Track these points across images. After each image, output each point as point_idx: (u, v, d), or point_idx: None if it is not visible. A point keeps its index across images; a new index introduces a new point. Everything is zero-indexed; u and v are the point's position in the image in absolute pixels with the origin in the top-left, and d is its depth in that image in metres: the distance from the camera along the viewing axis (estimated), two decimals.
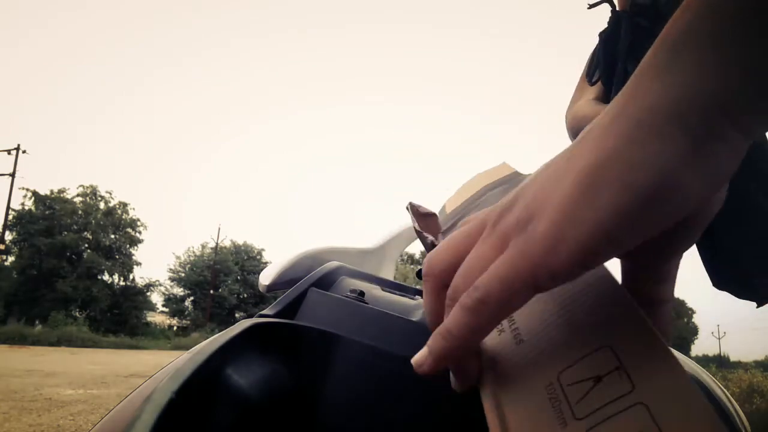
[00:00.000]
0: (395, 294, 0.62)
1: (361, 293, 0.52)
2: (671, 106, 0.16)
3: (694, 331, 36.96)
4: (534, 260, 0.17)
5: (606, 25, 0.42)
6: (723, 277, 0.43)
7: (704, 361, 29.53)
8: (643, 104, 0.16)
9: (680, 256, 0.21)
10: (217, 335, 0.31)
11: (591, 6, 0.40)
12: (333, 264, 0.66)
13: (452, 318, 0.20)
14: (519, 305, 0.19)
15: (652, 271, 0.21)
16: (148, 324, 24.68)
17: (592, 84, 0.44)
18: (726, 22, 0.15)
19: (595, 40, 0.43)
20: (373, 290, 0.60)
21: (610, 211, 0.16)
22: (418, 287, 0.76)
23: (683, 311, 36.23)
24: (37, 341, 15.81)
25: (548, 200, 0.18)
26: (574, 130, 0.44)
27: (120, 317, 22.87)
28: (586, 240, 0.16)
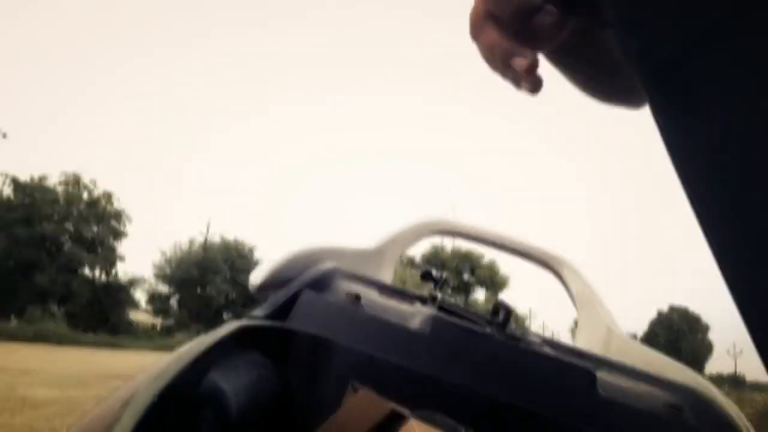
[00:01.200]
0: (393, 299, 0.62)
1: (357, 297, 0.52)
2: None
3: (709, 347, 36.89)
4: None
5: None
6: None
7: (718, 380, 29.48)
8: None
9: None
10: (203, 337, 0.32)
11: None
12: (328, 265, 0.66)
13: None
14: None
15: None
16: (130, 322, 24.70)
17: None
18: None
19: None
20: (370, 294, 0.61)
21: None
22: (417, 292, 0.76)
23: (698, 327, 36.16)
24: (12, 337, 15.81)
25: None
26: None
27: (101, 314, 22.88)
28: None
